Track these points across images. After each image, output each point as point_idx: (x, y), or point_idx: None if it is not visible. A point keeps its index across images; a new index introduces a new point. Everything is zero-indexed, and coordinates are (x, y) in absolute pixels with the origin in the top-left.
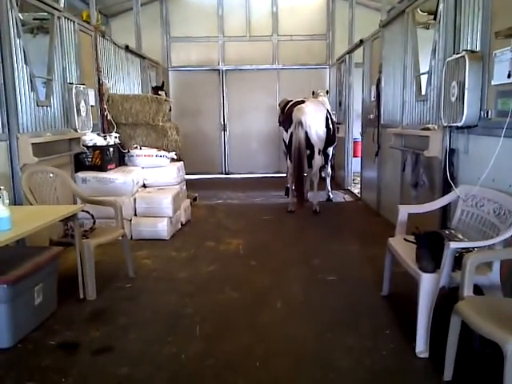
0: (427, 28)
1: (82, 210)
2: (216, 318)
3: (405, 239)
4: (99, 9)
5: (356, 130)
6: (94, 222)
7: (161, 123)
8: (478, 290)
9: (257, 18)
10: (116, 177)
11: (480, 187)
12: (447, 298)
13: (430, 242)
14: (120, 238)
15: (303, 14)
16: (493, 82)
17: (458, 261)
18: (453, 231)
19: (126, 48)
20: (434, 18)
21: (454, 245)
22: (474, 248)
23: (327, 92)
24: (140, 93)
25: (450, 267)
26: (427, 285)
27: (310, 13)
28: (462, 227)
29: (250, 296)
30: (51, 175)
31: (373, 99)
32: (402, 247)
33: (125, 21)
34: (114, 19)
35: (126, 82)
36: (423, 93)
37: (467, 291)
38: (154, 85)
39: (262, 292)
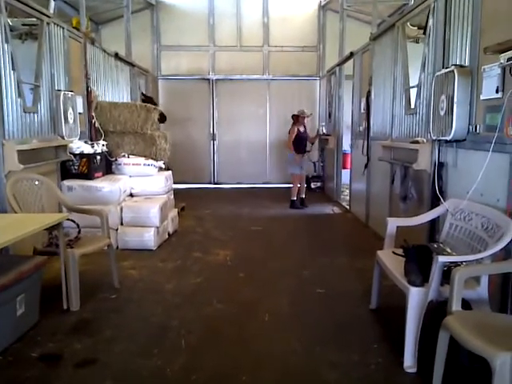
0: (417, 42)
1: (67, 219)
2: (202, 331)
3: (393, 252)
4: (90, 16)
5: (346, 142)
6: (79, 231)
7: (149, 131)
8: (466, 304)
9: (248, 28)
10: (103, 185)
11: (468, 201)
12: (435, 312)
13: (419, 255)
14: (106, 247)
15: (294, 26)
16: (481, 97)
17: (447, 275)
18: (441, 245)
19: (116, 55)
20: (424, 33)
21: (442, 258)
22: (462, 262)
23: None
24: (129, 101)
25: (438, 281)
26: (415, 299)
27: (301, 24)
28: (450, 241)
29: (237, 308)
30: (36, 183)
31: (362, 111)
32: (391, 260)
33: (115, 28)
34: (105, 26)
35: (114, 90)
36: (412, 106)
37: (455, 306)
38: (143, 91)
39: (249, 304)
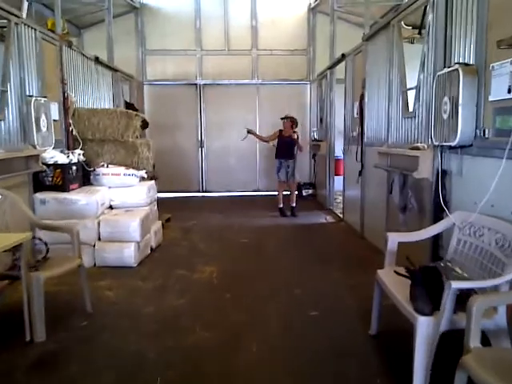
0: (411, 42)
1: (34, 237)
2: (182, 365)
3: (396, 272)
4: (70, 19)
5: (338, 148)
6: (48, 251)
7: (131, 139)
8: (481, 335)
9: (236, 31)
10: (78, 198)
11: (478, 214)
12: (448, 343)
13: (427, 279)
14: (77, 267)
15: (283, 29)
16: (490, 98)
17: (459, 299)
18: (449, 264)
19: (96, 60)
20: (419, 33)
21: (455, 285)
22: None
23: None
24: (112, 107)
25: (451, 310)
26: (424, 329)
27: (290, 27)
28: (458, 259)
29: (222, 337)
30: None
31: (356, 116)
32: (393, 281)
33: (98, 32)
34: (87, 31)
35: (95, 96)
36: (411, 109)
37: (473, 342)
38: (127, 99)
39: (236, 331)
